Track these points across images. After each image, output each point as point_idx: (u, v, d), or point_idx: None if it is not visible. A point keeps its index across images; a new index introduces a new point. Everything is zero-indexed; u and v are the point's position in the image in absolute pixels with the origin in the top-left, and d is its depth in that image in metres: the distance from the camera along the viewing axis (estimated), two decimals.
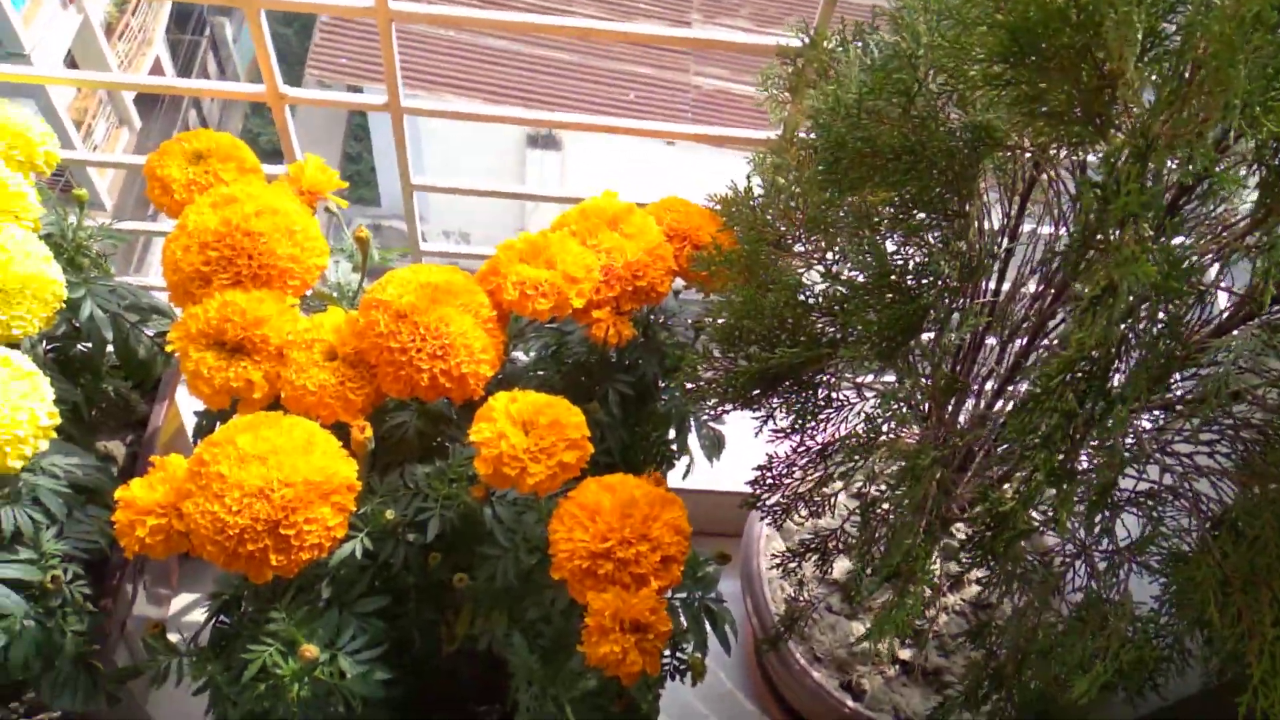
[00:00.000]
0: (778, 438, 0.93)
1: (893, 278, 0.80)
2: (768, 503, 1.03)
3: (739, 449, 1.17)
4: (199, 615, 1.62)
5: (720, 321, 0.88)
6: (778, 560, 1.22)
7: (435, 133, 8.30)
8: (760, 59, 1.13)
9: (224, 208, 0.96)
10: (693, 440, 1.16)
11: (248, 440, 0.84)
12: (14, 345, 0.96)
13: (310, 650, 0.85)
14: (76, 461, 1.00)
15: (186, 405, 1.46)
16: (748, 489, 1.07)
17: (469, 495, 0.97)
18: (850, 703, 1.28)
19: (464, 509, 0.96)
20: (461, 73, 7.95)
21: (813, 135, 1.05)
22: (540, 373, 1.14)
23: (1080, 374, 0.65)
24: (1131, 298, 0.61)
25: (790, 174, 1.06)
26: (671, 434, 1.16)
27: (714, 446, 1.17)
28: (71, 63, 7.57)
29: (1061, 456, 0.67)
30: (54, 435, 0.91)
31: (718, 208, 1.15)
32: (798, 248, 0.97)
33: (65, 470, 0.98)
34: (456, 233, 10.05)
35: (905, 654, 1.36)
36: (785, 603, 1.37)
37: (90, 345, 1.13)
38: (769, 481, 0.99)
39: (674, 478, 1.18)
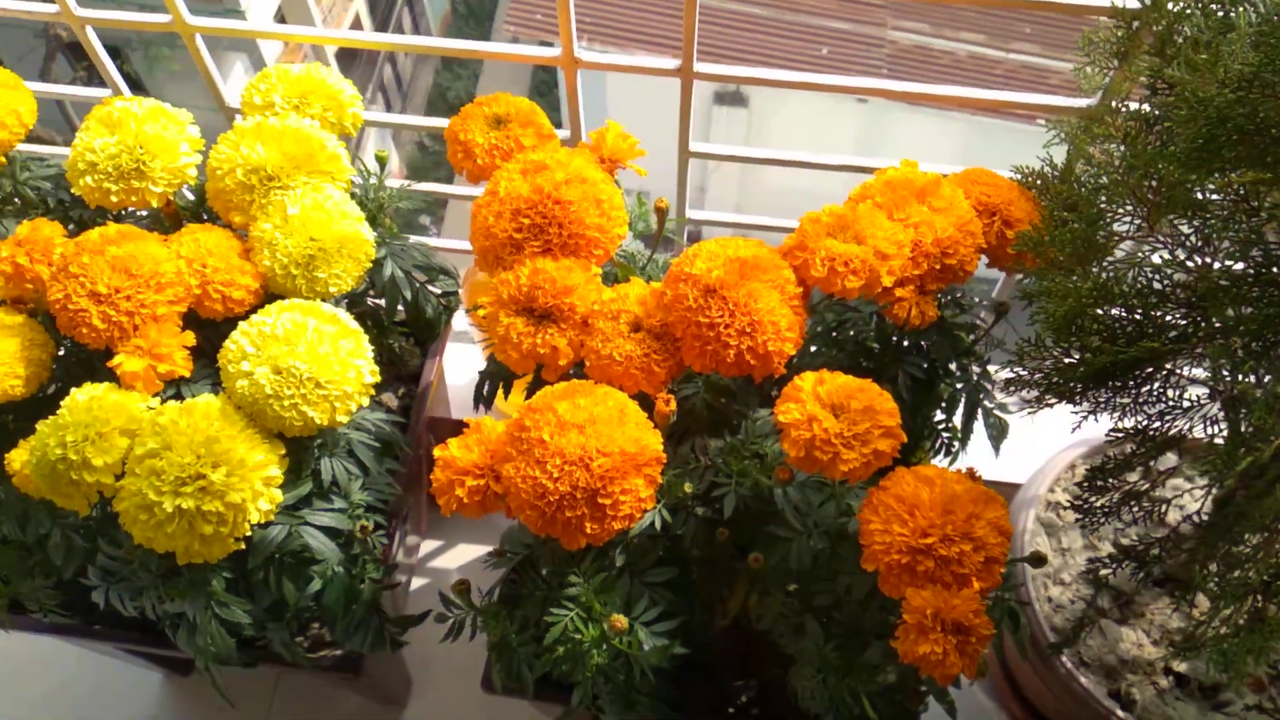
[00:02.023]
0: (1115, 437, 0.86)
1: (1276, 270, 0.72)
2: (1095, 504, 0.96)
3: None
4: (442, 561, 1.70)
5: (1056, 309, 0.82)
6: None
7: (612, 88, 8.33)
8: (1022, 15, 1.04)
9: (535, 175, 0.96)
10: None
11: (566, 408, 0.85)
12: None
13: (620, 621, 0.85)
14: (381, 416, 1.04)
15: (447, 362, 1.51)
16: (1010, 480, 1.00)
17: (761, 473, 0.95)
18: (1120, 712, 1.20)
19: (754, 486, 0.94)
20: (651, 27, 7.93)
21: (1145, 106, 0.97)
22: (815, 349, 1.10)
23: None
24: None
25: (1117, 147, 0.98)
26: (956, 420, 1.10)
27: (999, 435, 1.10)
28: (280, 18, 8.00)
29: None
30: (373, 392, 0.94)
31: (1018, 177, 1.08)
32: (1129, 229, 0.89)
33: (374, 425, 1.02)
34: (636, 190, 10.11)
35: (1181, 666, 1.27)
36: (1046, 602, 1.29)
37: (383, 302, 1.17)
38: (1100, 483, 0.92)
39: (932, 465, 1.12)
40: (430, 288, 1.20)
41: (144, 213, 1.12)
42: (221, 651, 0.95)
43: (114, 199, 1.00)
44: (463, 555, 1.69)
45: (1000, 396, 1.08)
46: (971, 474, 0.86)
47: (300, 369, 0.87)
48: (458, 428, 0.90)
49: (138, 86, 9.54)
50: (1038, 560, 0.90)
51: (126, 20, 1.22)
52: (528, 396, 1.17)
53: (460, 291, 1.25)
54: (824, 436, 0.83)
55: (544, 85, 10.45)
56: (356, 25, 9.79)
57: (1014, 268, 1.00)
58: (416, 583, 1.65)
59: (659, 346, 0.92)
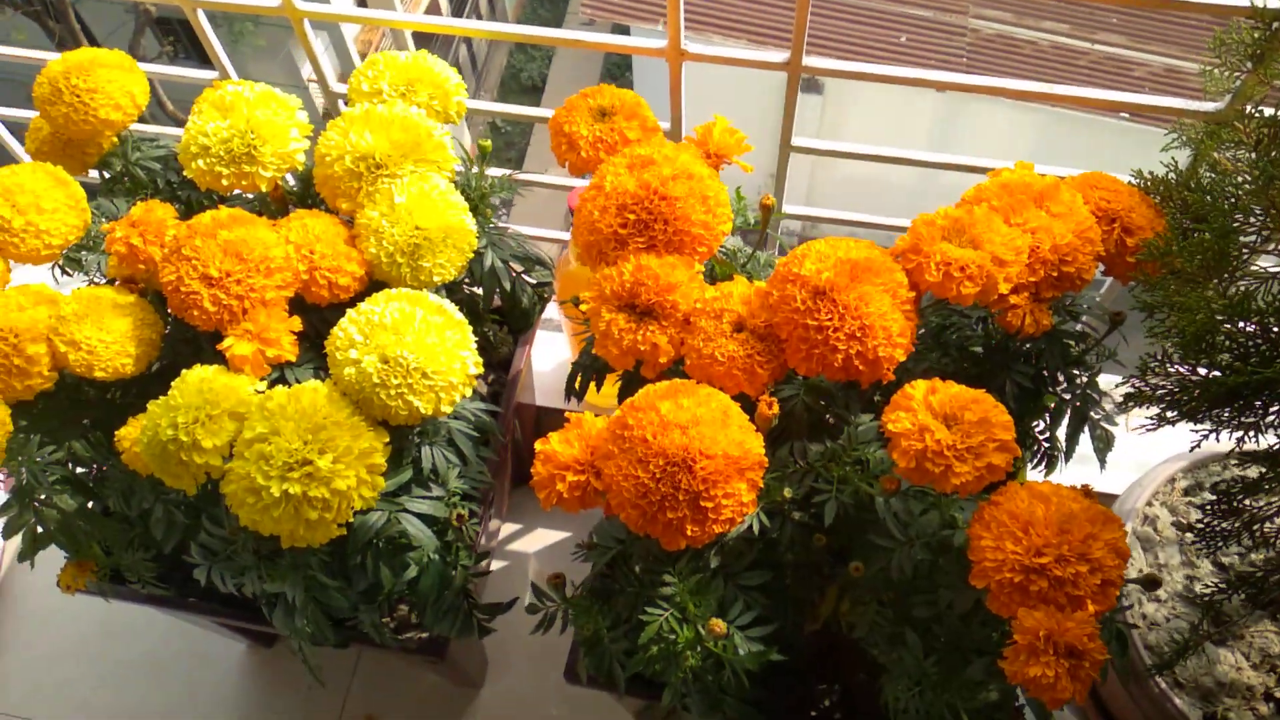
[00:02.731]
0: (1244, 461, 0.83)
1: None
2: (1220, 527, 0.93)
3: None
4: (520, 545, 1.71)
5: (1184, 324, 0.78)
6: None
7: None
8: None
9: (641, 170, 0.95)
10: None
11: (669, 408, 0.84)
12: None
13: (719, 625, 0.85)
14: (480, 405, 1.04)
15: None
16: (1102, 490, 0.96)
17: (862, 480, 0.93)
18: None
19: (854, 494, 0.93)
20: (726, 12, 7.84)
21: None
22: (918, 353, 1.08)
23: None
24: None
25: (1247, 154, 0.93)
26: (1059, 431, 1.07)
27: (1105, 447, 1.07)
28: (361, 1, 8.12)
29: None
30: (475, 383, 0.94)
31: (1137, 183, 1.04)
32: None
33: (474, 414, 1.02)
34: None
35: None
36: (1141, 619, 1.26)
37: (480, 291, 1.17)
38: (1226, 506, 0.89)
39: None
40: (525, 277, 1.20)
41: (250, 195, 1.14)
42: (318, 632, 0.97)
43: (225, 182, 1.01)
44: (541, 539, 1.70)
45: (1109, 409, 1.04)
46: (1087, 491, 0.83)
47: (408, 359, 0.88)
48: (541, 413, 0.90)
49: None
50: (1152, 583, 0.86)
51: (238, 4, 1.23)
52: (622, 392, 1.17)
53: (553, 283, 1.25)
54: (936, 448, 0.81)
55: (615, 69, 10.44)
56: (433, 9, 9.88)
57: (1133, 277, 0.96)
58: (495, 565, 1.66)
59: (762, 348, 0.91)
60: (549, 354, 1.67)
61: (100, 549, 1.12)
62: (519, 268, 1.19)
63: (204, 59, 9.84)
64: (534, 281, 1.21)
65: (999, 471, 0.82)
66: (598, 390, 1.15)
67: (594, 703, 1.23)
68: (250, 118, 1.01)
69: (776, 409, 0.89)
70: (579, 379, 1.17)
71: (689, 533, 0.82)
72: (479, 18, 10.65)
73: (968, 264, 0.88)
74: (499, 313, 1.28)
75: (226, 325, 0.94)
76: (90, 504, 1.08)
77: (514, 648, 1.56)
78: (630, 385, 1.17)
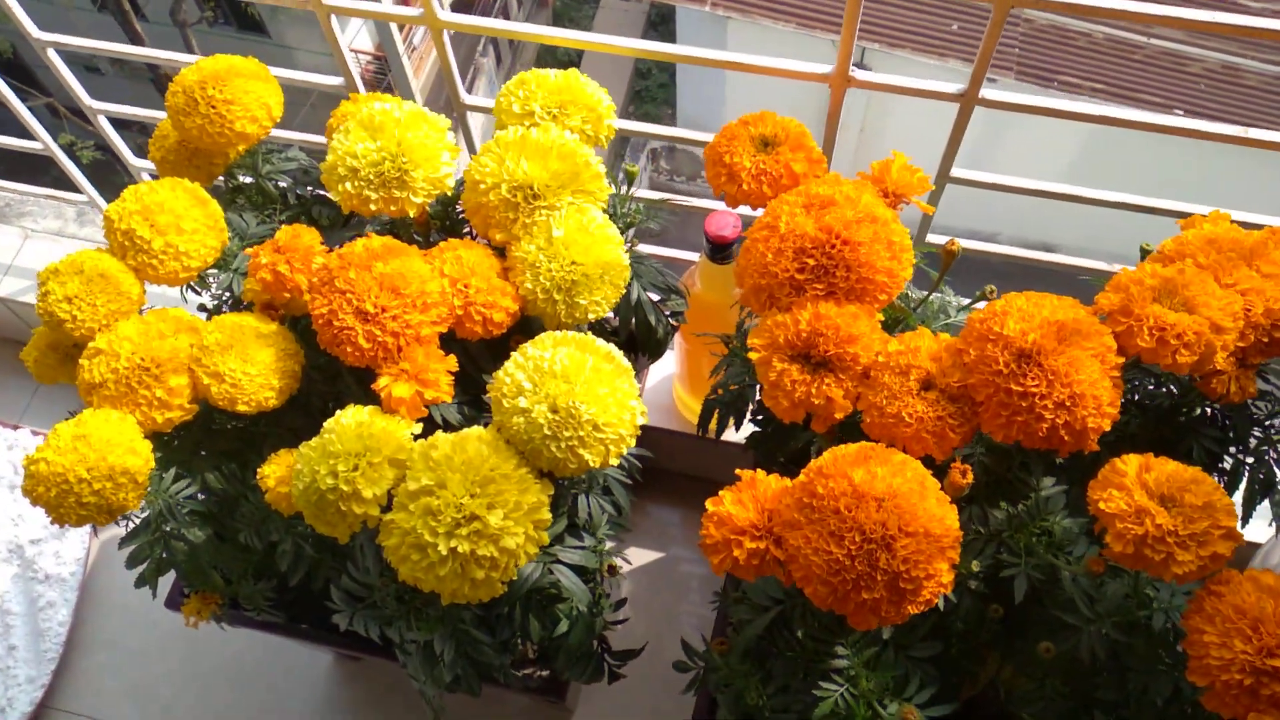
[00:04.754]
0: None
1: None
2: None
3: None
4: None
5: None
6: None
7: (731, 79, 8.10)
8: None
9: (820, 211, 0.89)
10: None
11: (862, 476, 0.78)
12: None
13: (913, 714, 0.79)
14: (635, 450, 0.99)
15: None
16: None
17: (1048, 552, 0.87)
18: None
19: (1040, 567, 0.87)
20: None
21: None
22: None
23: None
24: None
25: None
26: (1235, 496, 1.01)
27: None
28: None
29: None
30: (639, 432, 0.89)
31: None
32: None
33: (628, 460, 0.97)
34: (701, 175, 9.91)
35: None
36: None
37: (615, 322, 1.12)
38: None
39: None
40: (661, 305, 1.15)
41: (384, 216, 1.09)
42: (466, 687, 0.92)
43: (373, 206, 0.97)
44: (633, 557, 1.66)
45: None
46: None
47: (580, 410, 0.83)
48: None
49: (259, 28, 9.70)
50: None
51: (374, 11, 1.17)
52: (757, 440, 1.12)
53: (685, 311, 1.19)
54: (1157, 534, 0.75)
55: (642, 65, 10.30)
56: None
57: None
58: None
59: (954, 410, 0.85)
60: (653, 370, 1.62)
61: (220, 577, 1.09)
62: (656, 297, 1.13)
63: (242, 24, 9.80)
64: (668, 312, 1.15)
65: (1221, 560, 0.76)
66: (735, 429, 1.10)
67: None
68: (402, 139, 0.96)
69: (970, 478, 0.84)
70: (714, 417, 1.12)
71: (883, 614, 0.77)
72: None
73: (1184, 331, 0.82)
74: (629, 340, 1.23)
75: (380, 363, 0.89)
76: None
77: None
78: (767, 434, 1.12)
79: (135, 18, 7.36)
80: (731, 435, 1.14)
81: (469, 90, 1.43)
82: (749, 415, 1.11)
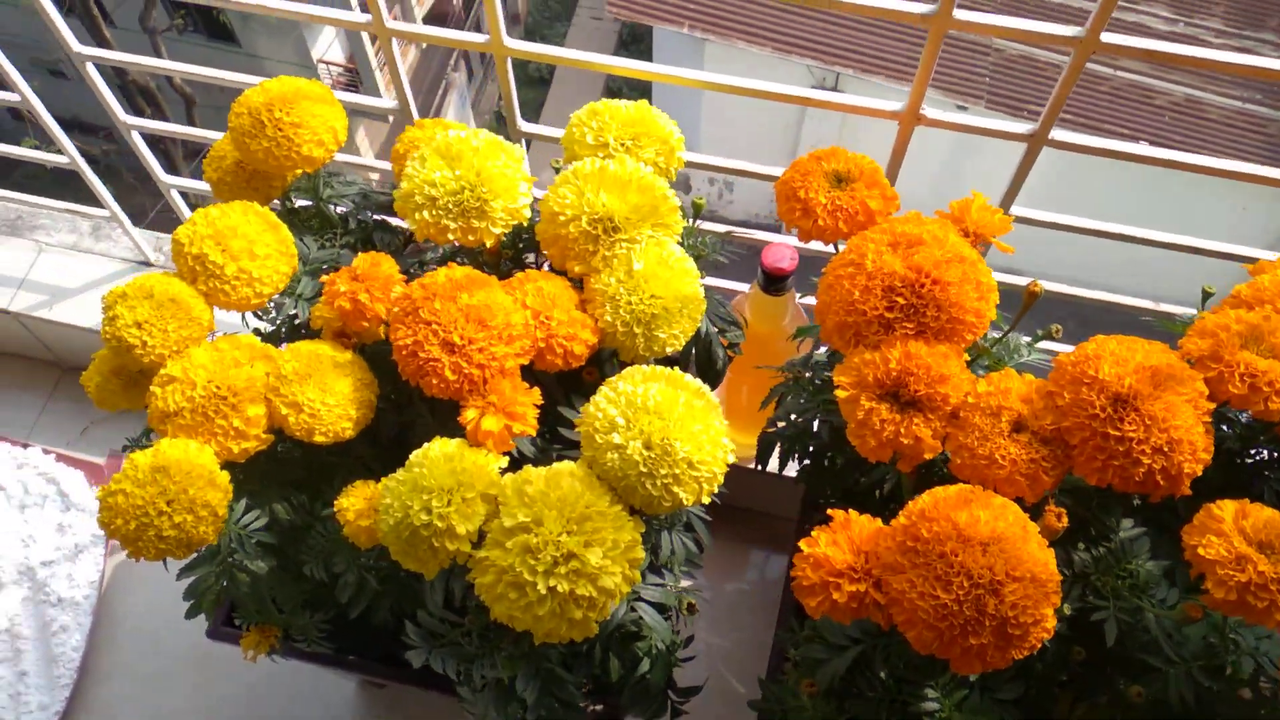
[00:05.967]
0: None
1: None
2: None
3: None
4: None
5: None
6: None
7: (708, 99, 8.12)
8: None
9: (909, 251, 0.90)
10: None
11: (966, 519, 0.78)
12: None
13: None
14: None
15: None
16: None
17: (1132, 594, 0.88)
18: None
19: (1127, 610, 0.88)
20: (752, 18, 7.78)
21: None
22: None
23: None
24: None
25: None
26: None
27: None
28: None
29: None
30: (727, 469, 0.89)
31: None
32: None
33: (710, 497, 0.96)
34: (721, 180, 9.93)
35: None
36: None
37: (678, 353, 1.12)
38: None
39: None
40: (722, 338, 1.15)
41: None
42: None
43: (450, 236, 0.95)
44: None
45: None
46: None
47: (676, 447, 0.82)
48: None
49: (229, 37, 9.58)
50: None
51: (436, 35, 1.16)
52: (810, 474, 1.11)
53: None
54: (1260, 581, 0.76)
55: (613, 83, 10.36)
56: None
57: None
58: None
59: (1047, 452, 0.85)
60: None
61: (274, 608, 1.06)
62: (718, 328, 1.13)
63: (213, 33, 9.67)
64: (728, 342, 1.15)
65: None
66: (797, 462, 1.10)
67: None
68: (481, 168, 0.95)
69: (1065, 522, 0.84)
70: (776, 450, 1.12)
71: (989, 659, 0.77)
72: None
73: (1275, 378, 0.83)
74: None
75: (465, 395, 0.88)
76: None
77: None
78: (824, 469, 1.12)
79: (104, 23, 7.25)
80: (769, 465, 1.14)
81: (440, 107, 1.42)
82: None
